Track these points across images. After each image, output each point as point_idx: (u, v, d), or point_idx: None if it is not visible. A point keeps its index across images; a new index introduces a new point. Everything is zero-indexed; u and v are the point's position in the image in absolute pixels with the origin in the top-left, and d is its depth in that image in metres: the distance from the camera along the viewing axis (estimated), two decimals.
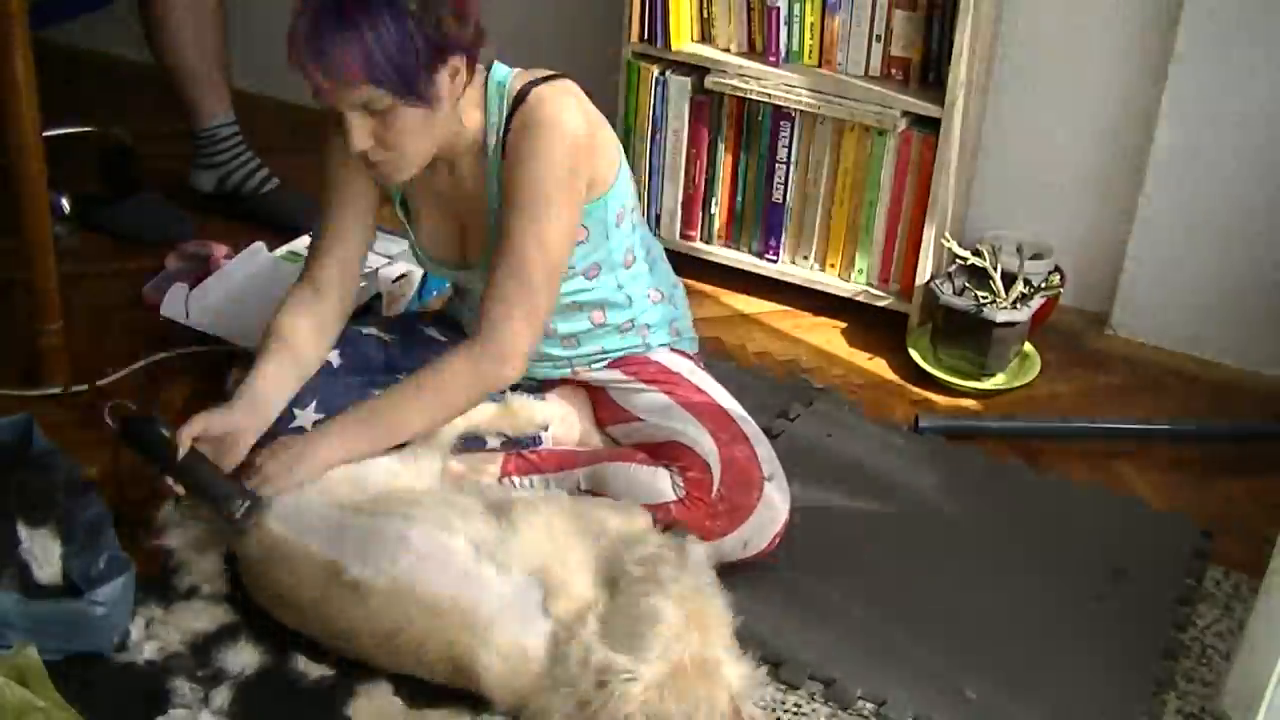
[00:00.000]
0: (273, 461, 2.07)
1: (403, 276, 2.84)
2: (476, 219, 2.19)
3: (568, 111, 2.06)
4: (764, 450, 2.23)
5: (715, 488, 2.14)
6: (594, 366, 2.34)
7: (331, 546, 1.98)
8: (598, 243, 2.19)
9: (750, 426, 2.27)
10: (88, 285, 2.84)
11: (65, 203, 3.03)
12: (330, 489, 2.07)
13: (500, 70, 2.12)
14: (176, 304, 2.74)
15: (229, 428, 2.07)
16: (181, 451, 2.01)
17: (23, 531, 2.02)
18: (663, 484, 2.15)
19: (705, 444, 2.18)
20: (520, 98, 2.08)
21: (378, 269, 2.87)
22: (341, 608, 1.95)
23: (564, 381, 2.36)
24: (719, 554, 2.13)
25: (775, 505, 2.19)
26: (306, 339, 2.19)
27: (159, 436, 2.04)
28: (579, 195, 2.09)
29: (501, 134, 2.09)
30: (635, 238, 2.27)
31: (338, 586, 1.95)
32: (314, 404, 2.23)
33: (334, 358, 2.28)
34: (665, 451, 2.19)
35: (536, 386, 2.36)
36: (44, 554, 2.01)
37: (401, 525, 1.98)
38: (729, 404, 2.30)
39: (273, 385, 2.14)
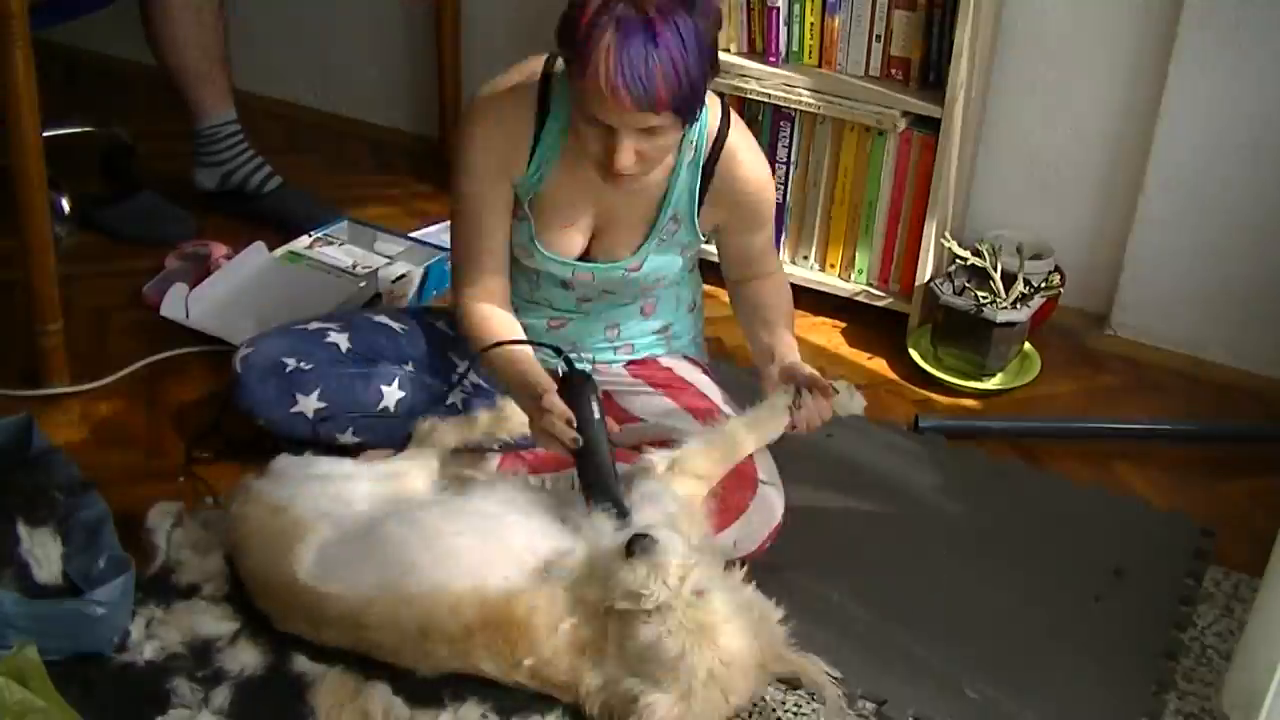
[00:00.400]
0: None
1: (402, 276, 2.85)
2: (637, 218, 2.20)
3: (759, 149, 2.23)
4: (762, 457, 2.24)
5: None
6: (612, 365, 2.37)
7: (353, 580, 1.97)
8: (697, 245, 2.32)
9: None
10: (88, 285, 2.84)
11: (65, 203, 3.03)
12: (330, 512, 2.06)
13: None
14: (176, 304, 2.74)
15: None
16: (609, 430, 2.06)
17: (23, 531, 2.02)
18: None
19: None
20: (720, 137, 2.15)
21: (377, 269, 2.88)
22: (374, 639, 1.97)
23: None
24: None
25: (769, 508, 2.19)
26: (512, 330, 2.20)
27: (594, 398, 2.04)
28: None
29: (706, 156, 2.16)
30: None
31: (360, 629, 1.96)
32: (318, 392, 2.24)
33: (342, 342, 2.29)
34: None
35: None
36: (44, 554, 2.01)
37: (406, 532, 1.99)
38: (728, 409, 2.31)
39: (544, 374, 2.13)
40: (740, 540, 2.16)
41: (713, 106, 2.16)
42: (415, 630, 1.91)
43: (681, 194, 2.18)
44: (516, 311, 2.26)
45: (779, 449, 2.34)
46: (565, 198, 2.19)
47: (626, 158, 1.97)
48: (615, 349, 2.38)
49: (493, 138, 2.14)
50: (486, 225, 2.19)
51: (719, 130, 2.16)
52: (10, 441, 2.19)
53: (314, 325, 2.35)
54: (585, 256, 2.25)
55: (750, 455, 2.19)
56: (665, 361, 2.40)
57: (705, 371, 2.43)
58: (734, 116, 2.19)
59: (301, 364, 2.27)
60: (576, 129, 2.03)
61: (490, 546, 1.96)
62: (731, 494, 2.15)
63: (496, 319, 2.20)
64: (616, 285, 2.26)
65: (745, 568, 2.05)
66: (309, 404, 2.25)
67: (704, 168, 2.17)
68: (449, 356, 2.38)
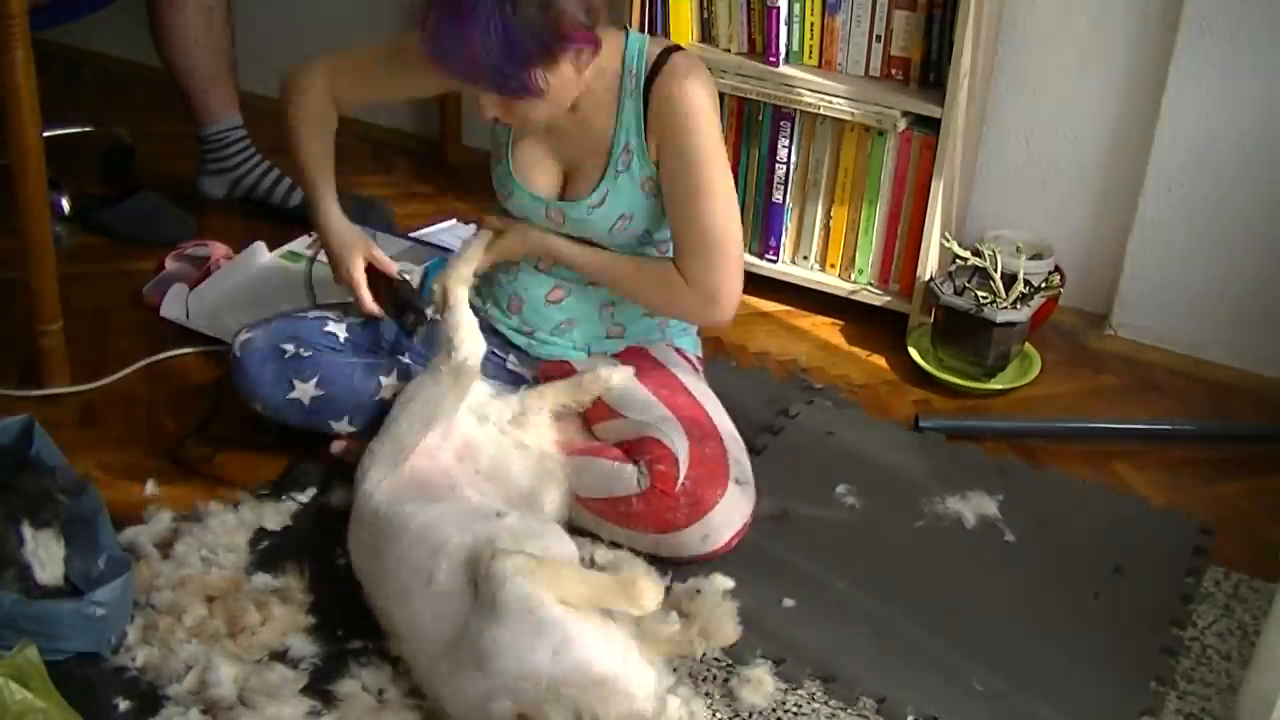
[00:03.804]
0: (512, 234, 2.30)
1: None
2: (594, 156, 2.25)
3: (706, 81, 2.20)
4: (738, 455, 2.25)
5: (680, 480, 2.15)
6: (609, 351, 2.39)
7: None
8: None
9: (728, 431, 2.28)
10: (88, 285, 2.84)
11: (65, 203, 3.03)
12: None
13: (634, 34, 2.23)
14: (177, 304, 2.74)
15: (362, 250, 2.33)
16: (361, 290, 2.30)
17: (26, 533, 2.02)
18: (627, 478, 2.16)
19: (677, 439, 2.19)
20: (661, 61, 2.18)
21: None
22: None
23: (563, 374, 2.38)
24: (680, 547, 2.16)
25: (738, 506, 2.19)
26: (329, 123, 2.40)
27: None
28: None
29: (643, 87, 2.19)
30: None
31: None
32: (316, 380, 2.25)
33: (340, 331, 2.30)
34: (638, 446, 2.20)
35: (533, 377, 2.41)
36: (46, 555, 2.01)
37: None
38: (713, 409, 2.31)
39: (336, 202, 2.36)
40: (710, 535, 2.16)
41: (654, 41, 2.22)
42: None
43: (629, 124, 2.21)
44: (520, 272, 2.37)
45: (782, 445, 2.35)
46: (533, 139, 2.28)
47: (486, 110, 2.11)
48: (608, 331, 2.40)
49: None
50: (386, 60, 2.35)
51: (658, 56, 2.19)
52: (11, 443, 2.19)
53: (314, 314, 2.36)
54: (562, 199, 2.31)
55: (723, 451, 2.21)
56: (658, 356, 2.39)
57: (695, 366, 2.43)
58: (681, 52, 2.22)
59: (300, 350, 2.28)
60: None
61: None
62: (702, 490, 2.16)
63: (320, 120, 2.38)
64: (591, 229, 2.28)
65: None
66: (306, 390, 2.26)
67: (644, 93, 2.19)
68: None
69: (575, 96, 2.15)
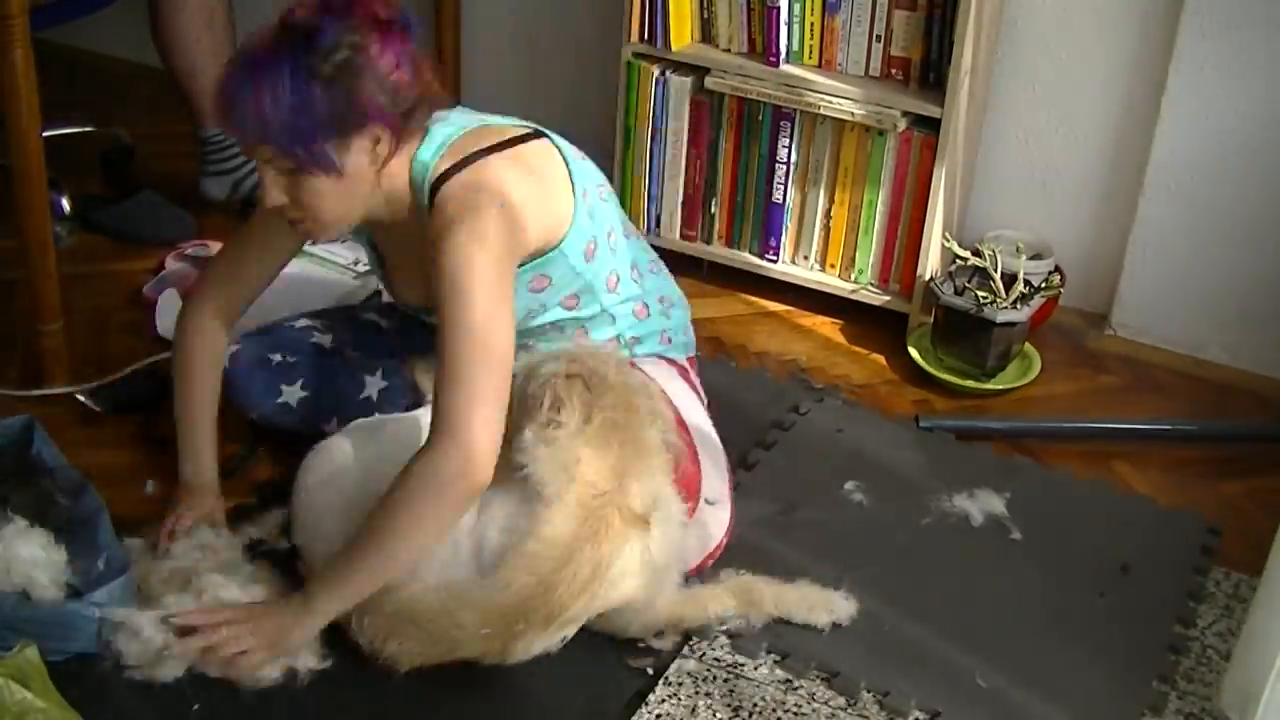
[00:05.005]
0: (255, 637, 1.90)
1: None
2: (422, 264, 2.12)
3: (477, 213, 1.94)
4: (714, 474, 2.20)
5: None
6: None
7: None
8: (567, 280, 2.14)
9: (709, 446, 2.23)
10: (88, 285, 2.84)
11: (65, 203, 3.03)
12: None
13: (432, 142, 2.02)
14: (169, 317, 2.73)
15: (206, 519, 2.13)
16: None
17: (29, 534, 2.02)
18: None
19: None
20: (437, 186, 1.99)
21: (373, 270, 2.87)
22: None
23: None
24: None
25: (707, 528, 2.16)
26: (214, 377, 2.23)
27: None
28: (505, 276, 1.97)
29: (427, 216, 2.01)
30: (620, 260, 2.22)
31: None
32: (301, 381, 2.26)
33: (326, 341, 2.30)
34: None
35: None
36: (45, 555, 2.01)
37: None
38: (696, 420, 2.25)
39: (210, 455, 2.19)
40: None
41: (436, 170, 2.00)
42: None
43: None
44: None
45: (790, 442, 2.33)
46: (388, 247, 2.21)
47: (270, 195, 1.94)
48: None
49: None
50: (248, 246, 2.20)
51: (444, 170, 1.99)
52: (12, 443, 2.19)
53: (301, 323, 2.37)
54: None
55: (696, 470, 2.14)
56: (640, 364, 2.27)
57: (681, 372, 2.33)
58: (456, 192, 1.97)
59: (287, 357, 2.31)
60: None
61: None
62: None
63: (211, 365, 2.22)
64: None
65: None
66: (293, 393, 2.28)
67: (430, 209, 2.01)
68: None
69: (368, 199, 2.00)
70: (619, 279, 2.22)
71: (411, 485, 1.87)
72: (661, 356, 2.32)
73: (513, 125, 2.12)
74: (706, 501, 2.16)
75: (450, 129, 2.04)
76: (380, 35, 1.90)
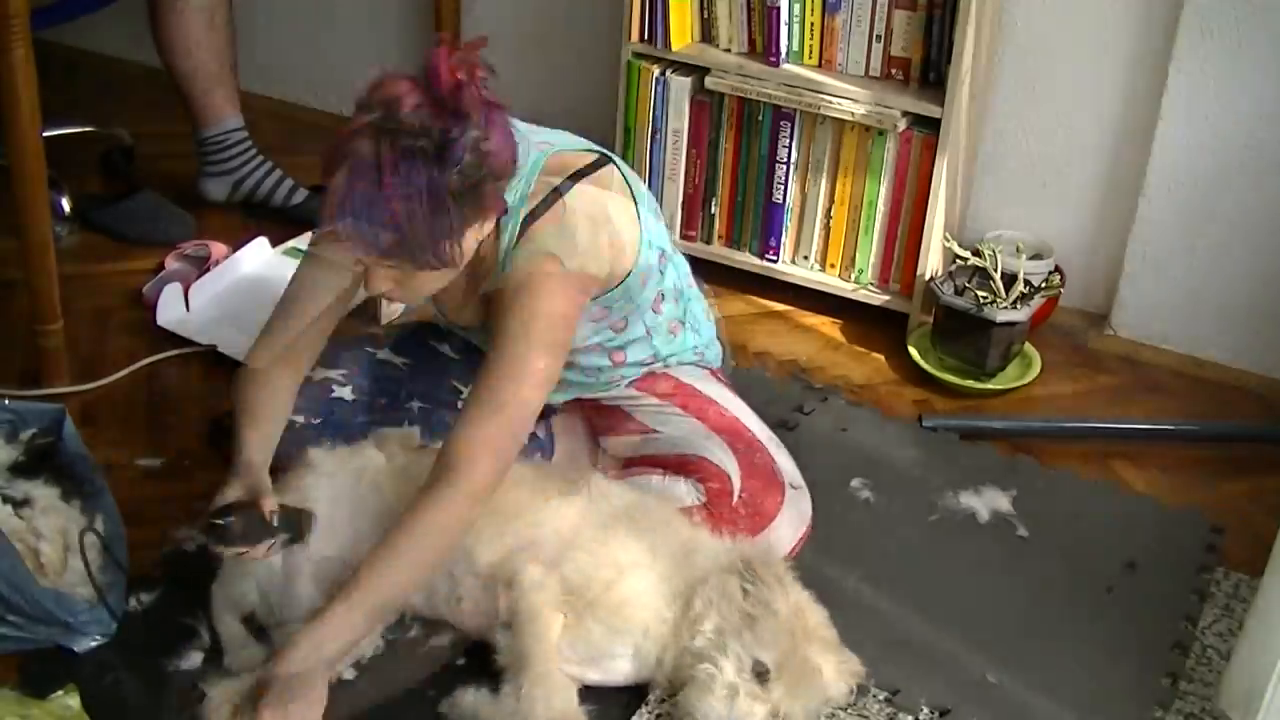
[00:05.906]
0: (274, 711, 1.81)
1: None
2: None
3: (556, 270, 1.97)
4: (784, 460, 2.24)
5: (736, 494, 2.14)
6: (610, 390, 2.31)
7: None
8: (622, 307, 2.15)
9: (766, 435, 2.28)
10: (88, 285, 2.84)
11: (65, 203, 3.03)
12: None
13: (514, 188, 1.99)
14: (174, 305, 2.73)
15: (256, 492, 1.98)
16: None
17: (43, 527, 2.04)
18: (683, 493, 2.14)
19: (721, 455, 2.18)
20: (525, 225, 1.99)
21: None
22: None
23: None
24: None
25: (800, 512, 2.21)
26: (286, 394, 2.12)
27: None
28: (568, 330, 2.02)
29: (510, 252, 2.01)
30: (666, 282, 2.22)
31: None
32: (327, 445, 2.18)
33: (346, 394, 2.26)
34: (682, 466, 2.18)
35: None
36: (57, 551, 2.02)
37: None
38: (744, 415, 2.29)
39: (262, 439, 2.05)
40: (773, 544, 2.14)
41: (520, 214, 1.99)
42: None
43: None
44: None
45: (794, 441, 2.34)
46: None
47: (377, 285, 1.91)
48: (608, 387, 2.29)
49: None
50: (305, 307, 2.10)
51: (529, 211, 1.99)
52: (44, 431, 2.20)
53: (319, 375, 2.26)
54: None
55: (771, 458, 2.20)
56: (668, 372, 2.32)
57: (713, 375, 2.35)
58: (569, 197, 1.99)
59: (310, 419, 2.22)
60: None
61: None
62: (762, 499, 2.15)
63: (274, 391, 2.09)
64: None
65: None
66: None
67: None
68: (454, 384, 2.33)
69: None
70: (663, 298, 2.23)
71: (414, 528, 1.87)
72: (699, 364, 2.36)
73: (578, 150, 2.09)
74: (791, 487, 2.19)
75: (527, 163, 2.00)
76: (489, 118, 1.83)
